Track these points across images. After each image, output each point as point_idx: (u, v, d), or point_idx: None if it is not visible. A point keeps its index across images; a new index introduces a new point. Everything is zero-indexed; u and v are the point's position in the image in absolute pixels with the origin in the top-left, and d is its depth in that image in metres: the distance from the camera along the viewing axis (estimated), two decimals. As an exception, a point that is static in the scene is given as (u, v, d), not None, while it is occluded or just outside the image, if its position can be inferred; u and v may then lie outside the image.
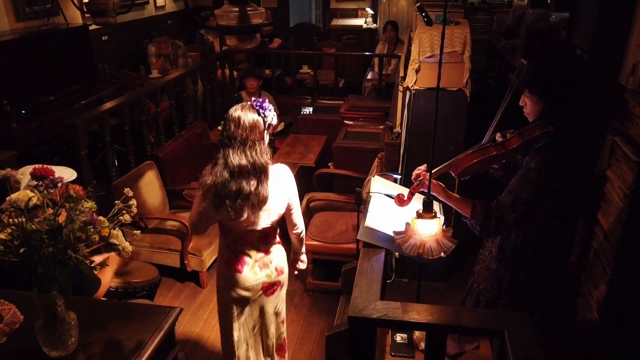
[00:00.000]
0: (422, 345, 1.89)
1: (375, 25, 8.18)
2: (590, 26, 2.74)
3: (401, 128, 3.31)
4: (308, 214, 3.49)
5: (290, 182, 2.10)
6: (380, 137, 4.17)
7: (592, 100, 2.04)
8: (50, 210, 1.32)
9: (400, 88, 3.36)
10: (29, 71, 4.27)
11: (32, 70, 4.30)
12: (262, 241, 2.13)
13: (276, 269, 2.17)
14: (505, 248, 1.86)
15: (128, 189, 1.50)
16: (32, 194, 1.33)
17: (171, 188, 3.74)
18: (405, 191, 1.92)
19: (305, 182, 3.79)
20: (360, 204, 2.62)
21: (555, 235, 1.80)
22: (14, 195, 1.31)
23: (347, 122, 4.76)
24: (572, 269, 2.54)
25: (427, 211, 1.58)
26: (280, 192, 2.05)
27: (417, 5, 2.53)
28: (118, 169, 3.81)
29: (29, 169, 1.70)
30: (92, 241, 1.33)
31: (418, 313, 1.60)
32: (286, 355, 2.44)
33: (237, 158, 1.91)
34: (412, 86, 2.92)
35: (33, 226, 1.28)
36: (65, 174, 2.12)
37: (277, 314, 2.29)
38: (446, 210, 2.08)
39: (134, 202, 1.42)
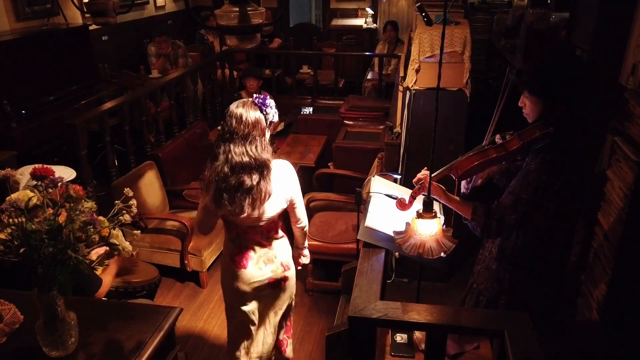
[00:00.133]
0: (422, 345, 1.89)
1: (375, 25, 8.18)
2: (590, 26, 2.74)
3: (401, 128, 3.31)
4: (308, 214, 3.47)
5: (292, 178, 2.11)
6: (380, 137, 4.17)
7: (592, 100, 2.04)
8: (50, 210, 1.32)
9: (400, 88, 3.36)
10: (29, 71, 4.27)
11: (32, 70, 4.30)
12: (266, 236, 2.14)
13: (282, 264, 2.18)
14: (506, 248, 1.86)
15: (128, 189, 1.50)
16: (32, 194, 1.33)
17: (171, 188, 3.74)
18: (405, 192, 1.92)
19: (305, 182, 3.79)
20: (360, 204, 2.62)
21: (555, 236, 1.80)
22: (14, 195, 1.31)
23: (347, 122, 4.76)
24: (572, 269, 2.54)
25: (427, 211, 1.58)
26: (283, 187, 2.05)
27: (417, 5, 2.53)
28: (118, 169, 3.81)
29: (28, 168, 1.70)
30: (92, 241, 1.33)
31: (418, 313, 1.60)
32: (288, 344, 2.43)
33: (238, 153, 1.92)
34: (412, 86, 2.92)
35: (33, 226, 1.28)
36: (65, 173, 2.12)
37: (284, 310, 2.29)
38: (446, 211, 2.08)
39: (134, 202, 1.42)
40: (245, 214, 1.98)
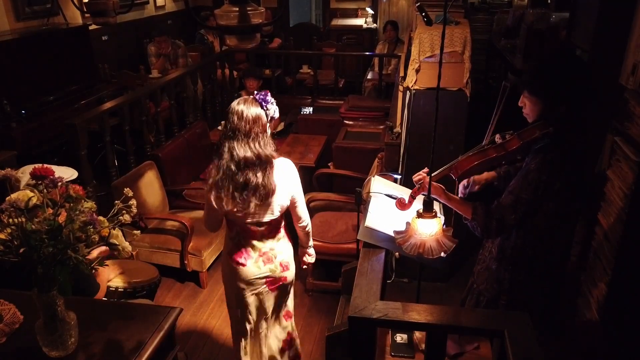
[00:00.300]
0: (422, 345, 1.89)
1: (375, 25, 8.18)
2: (590, 26, 2.74)
3: (401, 128, 3.31)
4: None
5: (293, 176, 2.12)
6: (380, 137, 4.16)
7: (592, 100, 2.04)
8: (50, 210, 1.32)
9: (400, 88, 3.36)
10: (29, 71, 4.27)
11: (32, 70, 4.30)
12: (266, 235, 2.14)
13: (281, 264, 2.18)
14: (505, 248, 1.86)
15: (128, 189, 1.50)
16: (32, 194, 1.33)
17: (171, 188, 3.74)
18: (405, 192, 1.92)
19: (305, 182, 3.79)
20: (360, 204, 2.62)
21: (555, 236, 1.80)
22: (13, 195, 1.31)
23: (347, 122, 4.76)
24: (572, 269, 2.54)
25: (427, 211, 1.58)
26: (284, 185, 2.07)
27: (417, 5, 2.53)
28: (118, 169, 3.81)
29: (29, 168, 1.70)
30: (92, 241, 1.33)
31: (418, 313, 1.60)
32: (294, 349, 2.43)
33: (242, 150, 1.94)
34: (412, 86, 2.92)
35: (33, 226, 1.28)
36: (66, 173, 2.12)
37: (281, 309, 2.30)
38: (446, 210, 2.08)
39: (133, 202, 1.42)
40: (250, 211, 2.00)
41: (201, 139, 4.34)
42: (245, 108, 1.96)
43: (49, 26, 4.83)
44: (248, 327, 2.25)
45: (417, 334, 1.95)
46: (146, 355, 1.46)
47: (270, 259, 2.16)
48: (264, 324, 2.27)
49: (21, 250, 1.28)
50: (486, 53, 6.56)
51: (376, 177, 2.37)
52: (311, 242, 2.40)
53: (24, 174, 1.88)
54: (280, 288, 2.22)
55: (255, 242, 2.13)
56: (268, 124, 2.02)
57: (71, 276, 1.34)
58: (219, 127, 4.89)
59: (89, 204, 1.37)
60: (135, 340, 1.50)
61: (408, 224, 1.63)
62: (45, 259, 1.29)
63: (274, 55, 6.97)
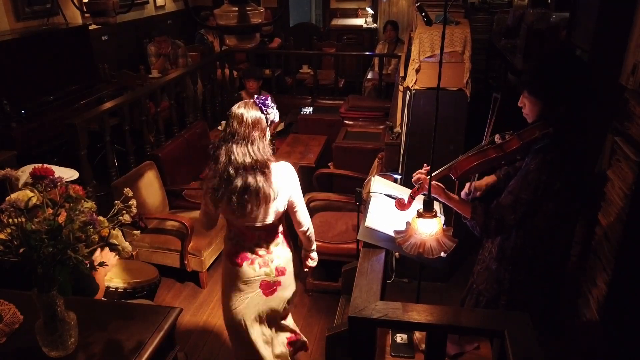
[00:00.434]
0: (422, 345, 1.89)
1: (375, 25, 8.17)
2: (590, 26, 2.74)
3: (401, 128, 3.30)
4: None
5: (292, 180, 2.10)
6: (381, 137, 4.16)
7: (592, 100, 2.04)
8: (50, 210, 1.32)
9: (401, 88, 3.36)
10: (29, 71, 4.27)
11: (32, 70, 4.30)
12: (263, 239, 2.14)
13: (277, 269, 2.17)
14: (505, 248, 1.86)
15: (128, 189, 1.50)
16: (31, 194, 1.33)
17: (171, 188, 3.74)
18: (405, 192, 1.92)
19: (305, 182, 3.79)
20: (360, 204, 2.62)
21: (555, 236, 1.80)
22: (13, 195, 1.31)
23: (347, 122, 4.76)
24: (572, 269, 2.54)
25: (427, 210, 1.58)
26: (282, 189, 2.05)
27: (417, 5, 2.53)
28: (118, 169, 3.81)
29: (29, 168, 1.70)
30: (91, 241, 1.33)
31: (418, 313, 1.60)
32: (299, 342, 2.43)
33: (240, 154, 1.93)
34: (412, 86, 2.92)
35: (33, 226, 1.28)
36: (67, 174, 2.12)
37: (278, 314, 2.29)
38: (446, 210, 2.08)
39: (133, 202, 1.42)
40: (246, 214, 1.99)
41: (201, 139, 4.34)
42: (246, 112, 1.95)
43: (48, 26, 4.83)
44: (239, 329, 2.23)
45: (417, 334, 1.95)
46: (146, 355, 1.46)
47: (267, 262, 2.15)
48: (258, 328, 2.25)
49: (21, 250, 1.28)
50: (486, 53, 6.56)
51: (376, 177, 2.37)
52: (314, 246, 2.38)
53: (24, 172, 1.88)
54: (273, 293, 2.19)
55: (251, 245, 2.13)
56: (268, 128, 2.02)
57: (71, 276, 1.34)
58: (219, 127, 4.89)
59: (89, 204, 1.37)
60: (135, 340, 1.50)
61: (408, 223, 1.63)
62: (45, 259, 1.29)
63: (274, 55, 6.97)
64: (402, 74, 3.40)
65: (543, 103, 1.70)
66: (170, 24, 7.30)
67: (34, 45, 4.36)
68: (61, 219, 1.31)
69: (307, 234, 2.27)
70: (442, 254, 1.59)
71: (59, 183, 1.35)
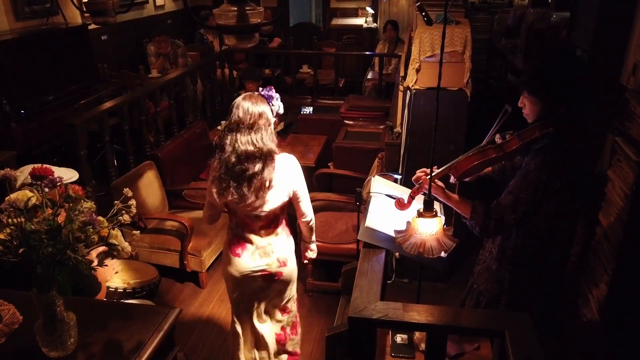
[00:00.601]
0: (423, 346, 1.89)
1: (375, 24, 8.17)
2: (590, 26, 2.74)
3: (401, 128, 3.30)
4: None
5: (296, 171, 2.15)
6: (381, 137, 4.16)
7: (593, 100, 2.04)
8: (50, 211, 1.32)
9: (401, 88, 3.36)
10: (28, 71, 4.26)
11: (31, 70, 4.30)
12: (265, 228, 2.16)
13: (278, 260, 2.19)
14: (506, 248, 1.86)
15: (127, 189, 1.50)
16: (31, 194, 1.32)
17: (170, 188, 3.74)
18: (405, 192, 1.92)
19: (306, 182, 3.78)
20: (360, 204, 2.62)
21: (555, 236, 1.80)
22: (13, 195, 1.30)
23: (347, 122, 4.76)
24: (572, 269, 2.54)
25: (427, 210, 1.58)
26: (285, 179, 2.09)
27: (417, 4, 2.53)
28: (117, 169, 3.80)
29: (28, 168, 1.69)
30: (91, 241, 1.33)
31: (418, 313, 1.60)
32: (288, 342, 2.43)
33: (244, 142, 1.97)
34: (412, 86, 2.91)
35: (32, 226, 1.28)
36: (67, 174, 2.11)
37: (277, 304, 2.30)
38: (447, 210, 2.07)
39: (133, 202, 1.42)
40: (247, 202, 2.02)
41: (201, 138, 4.33)
42: (251, 103, 2.00)
43: (48, 26, 4.83)
44: (240, 318, 2.27)
45: (417, 334, 1.95)
46: (146, 356, 1.46)
47: (268, 253, 2.17)
48: (258, 317, 2.28)
49: (20, 250, 1.28)
50: (487, 53, 6.56)
51: (376, 177, 2.36)
52: (314, 237, 2.42)
53: (22, 173, 1.88)
54: (275, 283, 2.22)
55: (252, 236, 2.16)
56: (273, 119, 2.06)
57: (70, 276, 1.34)
58: (219, 127, 4.86)
59: (89, 204, 1.37)
60: (135, 340, 1.50)
61: (408, 223, 1.62)
62: (44, 259, 1.29)
63: (274, 54, 6.96)
64: (402, 73, 3.39)
65: (543, 103, 1.69)
66: (170, 23, 7.29)
67: (33, 45, 4.36)
68: (61, 219, 1.31)
69: (310, 224, 2.32)
70: (443, 254, 1.59)
71: (58, 183, 1.34)
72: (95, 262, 1.43)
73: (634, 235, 2.04)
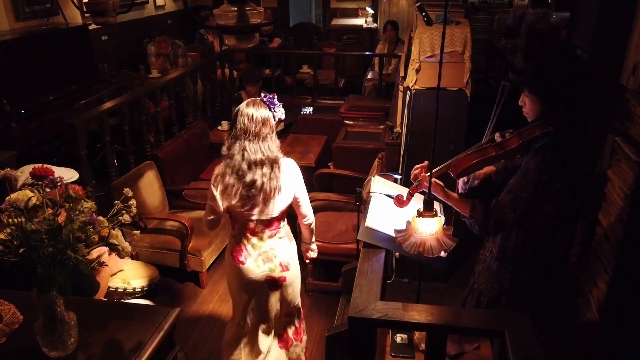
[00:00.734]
0: (423, 345, 1.89)
1: (375, 24, 8.17)
2: (590, 26, 2.74)
3: (401, 128, 3.30)
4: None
5: (297, 175, 2.18)
6: (381, 137, 4.16)
7: (593, 100, 2.04)
8: (50, 210, 1.32)
9: (401, 88, 3.36)
10: (28, 71, 4.27)
11: (31, 70, 4.30)
12: (267, 232, 2.18)
13: (281, 264, 2.20)
14: (506, 248, 1.86)
15: (128, 189, 1.50)
16: (31, 194, 1.33)
17: (171, 188, 3.74)
18: (405, 192, 1.92)
19: (305, 182, 3.78)
20: (360, 204, 2.62)
21: (555, 235, 1.80)
22: (13, 195, 1.30)
23: (347, 122, 4.75)
24: (572, 269, 2.54)
25: (427, 210, 1.58)
26: (288, 184, 2.13)
27: (417, 4, 2.53)
28: (118, 169, 3.80)
29: (29, 168, 1.70)
30: (91, 241, 1.33)
31: (418, 313, 1.60)
32: (293, 344, 2.44)
33: (253, 151, 2.02)
34: (412, 86, 2.91)
35: (32, 226, 1.28)
36: (67, 174, 2.12)
37: (282, 309, 2.30)
38: (447, 210, 2.07)
39: (133, 202, 1.42)
40: (256, 210, 2.07)
41: (201, 138, 4.34)
42: (255, 110, 2.03)
43: (48, 26, 4.83)
44: (244, 324, 2.27)
45: (417, 334, 1.95)
46: (146, 356, 1.46)
47: (270, 258, 2.18)
48: (263, 324, 2.28)
49: (21, 250, 1.28)
50: (487, 53, 6.56)
51: (376, 177, 2.36)
52: (314, 239, 2.46)
53: (22, 173, 1.88)
54: (279, 288, 2.23)
55: (254, 241, 2.17)
56: (275, 125, 2.10)
57: (71, 276, 1.34)
58: (219, 127, 4.88)
59: (89, 204, 1.37)
60: (135, 340, 1.50)
61: (408, 222, 1.62)
62: (44, 259, 1.29)
63: (274, 55, 6.96)
64: (402, 73, 3.39)
65: (543, 102, 1.70)
66: (170, 23, 7.30)
67: (33, 45, 4.36)
68: (61, 219, 1.31)
69: (311, 226, 2.36)
70: (442, 254, 1.59)
71: (58, 183, 1.34)
72: (106, 254, 1.42)
73: (634, 235, 2.04)
